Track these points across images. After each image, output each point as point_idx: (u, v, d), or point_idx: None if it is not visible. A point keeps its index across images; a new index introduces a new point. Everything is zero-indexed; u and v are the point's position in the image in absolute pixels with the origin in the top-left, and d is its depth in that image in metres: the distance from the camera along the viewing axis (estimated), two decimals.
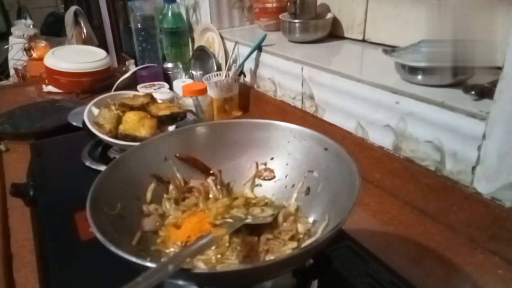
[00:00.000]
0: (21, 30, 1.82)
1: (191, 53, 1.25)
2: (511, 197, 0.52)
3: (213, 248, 0.42)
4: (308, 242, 0.44)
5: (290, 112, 0.91)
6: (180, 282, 0.35)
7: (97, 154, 0.81)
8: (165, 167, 0.53)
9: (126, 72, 1.22)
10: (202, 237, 0.39)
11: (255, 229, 0.45)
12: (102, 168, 0.47)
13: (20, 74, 1.74)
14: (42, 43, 1.62)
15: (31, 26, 1.91)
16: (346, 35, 0.98)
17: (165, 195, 0.51)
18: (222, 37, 1.13)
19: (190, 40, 1.29)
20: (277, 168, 0.54)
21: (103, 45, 2.14)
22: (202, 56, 1.16)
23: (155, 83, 1.08)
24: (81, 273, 0.53)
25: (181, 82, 1.07)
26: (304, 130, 0.52)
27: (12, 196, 0.69)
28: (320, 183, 0.49)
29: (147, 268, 0.31)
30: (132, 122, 0.76)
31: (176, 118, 0.81)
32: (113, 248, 0.33)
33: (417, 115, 0.62)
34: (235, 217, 0.47)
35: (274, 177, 0.54)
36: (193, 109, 0.94)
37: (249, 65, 1.04)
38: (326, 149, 0.49)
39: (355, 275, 0.50)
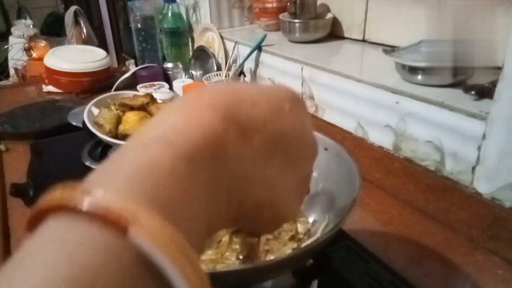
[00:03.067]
0: (21, 30, 1.82)
1: (191, 53, 1.25)
2: (511, 197, 0.52)
3: (213, 248, 0.42)
4: (308, 242, 0.44)
5: None
6: None
7: (97, 154, 0.81)
8: None
9: (126, 72, 1.22)
10: None
11: None
12: None
13: (20, 74, 1.74)
14: (42, 43, 1.62)
15: (31, 26, 1.90)
16: (346, 35, 0.98)
17: None
18: (222, 37, 1.13)
19: (190, 40, 1.29)
20: None
21: (103, 45, 2.14)
22: (202, 56, 1.16)
23: (155, 83, 1.08)
24: None
25: (181, 82, 1.07)
26: None
27: (12, 196, 0.69)
28: (320, 183, 0.49)
29: None
30: (132, 122, 0.76)
31: None
32: None
33: (417, 115, 0.62)
34: None
35: None
36: None
37: (249, 65, 1.04)
38: (326, 149, 0.49)
39: (355, 275, 0.50)
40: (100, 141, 0.80)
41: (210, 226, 0.22)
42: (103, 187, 0.17)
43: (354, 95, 0.73)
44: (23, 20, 2.00)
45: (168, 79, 1.17)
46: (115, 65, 1.96)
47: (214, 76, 1.04)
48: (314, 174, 0.50)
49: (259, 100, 0.24)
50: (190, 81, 1.11)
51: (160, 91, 1.01)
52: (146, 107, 0.80)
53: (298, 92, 0.88)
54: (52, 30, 2.79)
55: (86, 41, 1.99)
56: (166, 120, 0.22)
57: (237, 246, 0.43)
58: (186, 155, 0.20)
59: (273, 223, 0.28)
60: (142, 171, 0.18)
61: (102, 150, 0.82)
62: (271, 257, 0.42)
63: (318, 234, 0.44)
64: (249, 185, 0.24)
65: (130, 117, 0.77)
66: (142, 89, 1.04)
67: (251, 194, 0.24)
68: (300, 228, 0.47)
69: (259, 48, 0.98)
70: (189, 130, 0.21)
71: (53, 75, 1.24)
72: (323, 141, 0.49)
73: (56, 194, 0.17)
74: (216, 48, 1.15)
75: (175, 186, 0.18)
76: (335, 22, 0.99)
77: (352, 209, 0.36)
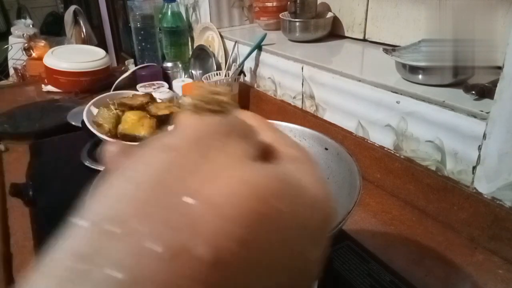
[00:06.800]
0: (21, 30, 1.81)
1: (190, 53, 1.25)
2: None
3: None
4: None
5: (290, 112, 0.91)
6: None
7: (96, 154, 0.81)
8: None
9: (125, 71, 1.21)
10: None
11: None
12: (101, 168, 0.47)
13: (20, 74, 1.73)
14: (42, 43, 1.61)
15: (31, 26, 1.90)
16: (346, 34, 0.97)
17: None
18: (222, 36, 1.13)
19: (189, 39, 1.29)
20: None
21: (102, 44, 2.14)
22: (202, 55, 1.16)
23: (155, 82, 1.08)
24: None
25: (180, 82, 1.07)
26: (305, 129, 0.52)
27: (11, 196, 0.68)
28: None
29: None
30: (131, 121, 0.76)
31: None
32: None
33: (417, 114, 0.62)
34: None
35: None
36: None
37: (249, 65, 1.04)
38: (326, 149, 0.49)
39: (355, 275, 0.49)
40: (99, 141, 0.79)
41: None
42: None
43: (354, 95, 0.73)
44: (22, 20, 2.00)
45: (167, 79, 1.16)
46: (115, 64, 1.96)
47: (214, 75, 1.04)
48: None
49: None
50: (190, 80, 1.11)
51: (160, 91, 1.01)
52: (145, 107, 0.80)
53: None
54: (52, 30, 2.78)
55: (86, 41, 1.99)
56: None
57: None
58: None
59: None
60: None
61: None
62: None
63: None
64: None
65: (130, 117, 0.76)
66: (141, 89, 1.03)
67: None
68: None
69: (259, 47, 0.98)
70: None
71: (52, 75, 1.23)
72: (324, 140, 0.49)
73: None
74: (216, 47, 1.15)
75: None
76: (336, 21, 0.98)
77: (352, 209, 0.36)
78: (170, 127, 0.72)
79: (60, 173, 0.78)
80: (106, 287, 0.12)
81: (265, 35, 0.98)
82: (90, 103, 0.81)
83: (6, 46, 1.91)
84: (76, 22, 2.06)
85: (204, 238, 0.13)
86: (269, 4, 1.08)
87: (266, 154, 0.19)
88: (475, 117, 0.54)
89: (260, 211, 0.14)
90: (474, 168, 0.56)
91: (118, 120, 0.77)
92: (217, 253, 0.13)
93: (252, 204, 0.14)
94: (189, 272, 0.13)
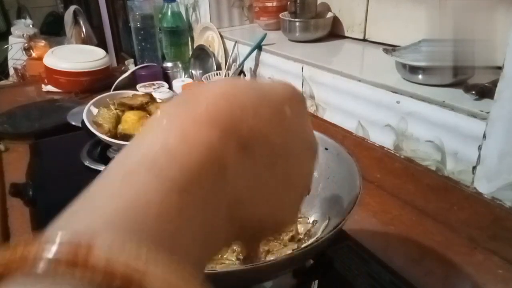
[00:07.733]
0: (21, 30, 1.81)
1: (190, 53, 1.25)
2: None
3: None
4: (308, 242, 0.44)
5: None
6: None
7: (96, 153, 0.81)
8: None
9: (125, 71, 1.21)
10: None
11: None
12: (101, 168, 0.47)
13: (20, 74, 1.74)
14: (42, 43, 1.62)
15: (31, 26, 1.90)
16: (346, 34, 0.97)
17: None
18: (222, 36, 1.13)
19: (189, 39, 1.29)
20: None
21: (102, 44, 2.14)
22: (202, 55, 1.16)
23: (155, 82, 1.08)
24: None
25: (180, 82, 1.07)
26: None
27: (11, 196, 0.68)
28: (320, 183, 0.49)
29: None
30: (131, 121, 0.76)
31: None
32: None
33: (417, 114, 0.62)
34: None
35: None
36: None
37: (249, 65, 1.04)
38: (326, 148, 0.49)
39: (355, 275, 0.49)
40: (99, 141, 0.80)
41: (209, 252, 0.20)
42: (79, 235, 0.14)
43: (354, 95, 0.73)
44: (22, 20, 2.00)
45: (167, 79, 1.16)
46: (115, 64, 1.96)
47: (214, 75, 1.04)
48: (314, 174, 0.50)
49: (260, 106, 0.22)
50: (190, 80, 1.11)
51: (160, 91, 1.01)
52: (145, 107, 0.80)
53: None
54: (52, 30, 2.78)
55: (86, 41, 1.99)
56: (156, 137, 0.19)
57: (237, 247, 0.43)
58: (180, 187, 0.17)
59: (273, 232, 0.26)
60: (126, 211, 0.16)
61: (101, 150, 0.82)
62: (271, 257, 0.42)
63: (318, 235, 0.44)
64: (251, 202, 0.22)
65: (130, 117, 0.77)
66: (141, 89, 1.03)
67: (253, 211, 0.22)
68: (301, 228, 0.47)
69: (259, 47, 0.98)
70: (184, 152, 0.18)
71: (52, 75, 1.23)
72: (324, 140, 0.49)
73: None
74: (216, 47, 1.15)
75: (165, 223, 0.17)
76: (336, 21, 0.98)
77: (352, 209, 0.36)
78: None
79: (60, 173, 0.78)
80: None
81: (265, 35, 0.98)
82: (90, 103, 0.81)
83: (6, 46, 1.91)
84: (76, 22, 2.06)
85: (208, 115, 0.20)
86: (269, 4, 1.08)
87: None
88: (475, 117, 0.54)
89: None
90: (474, 168, 0.56)
91: (118, 120, 0.77)
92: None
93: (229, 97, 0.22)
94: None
